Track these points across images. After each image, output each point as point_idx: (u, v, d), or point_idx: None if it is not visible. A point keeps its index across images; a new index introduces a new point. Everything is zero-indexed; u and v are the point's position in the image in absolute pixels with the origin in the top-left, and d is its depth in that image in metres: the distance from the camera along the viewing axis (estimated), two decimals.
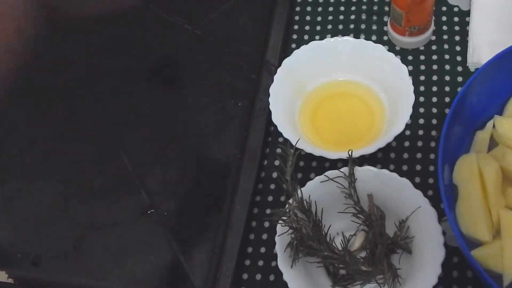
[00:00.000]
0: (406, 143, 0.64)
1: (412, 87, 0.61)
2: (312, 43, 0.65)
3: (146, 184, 0.65)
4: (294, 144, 0.58)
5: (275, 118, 0.61)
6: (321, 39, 0.71)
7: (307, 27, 0.73)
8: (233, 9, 0.76)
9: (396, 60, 0.63)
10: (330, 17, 0.73)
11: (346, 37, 0.65)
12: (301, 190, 0.56)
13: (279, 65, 0.67)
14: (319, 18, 0.73)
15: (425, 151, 0.63)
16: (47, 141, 0.70)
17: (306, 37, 0.72)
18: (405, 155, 0.63)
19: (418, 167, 0.63)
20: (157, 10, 0.76)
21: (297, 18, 0.74)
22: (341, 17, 0.73)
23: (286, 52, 0.71)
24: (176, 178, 0.66)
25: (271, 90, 0.63)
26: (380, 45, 0.64)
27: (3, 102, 0.73)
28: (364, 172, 0.57)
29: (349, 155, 0.57)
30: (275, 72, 0.66)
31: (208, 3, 0.76)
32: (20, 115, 0.72)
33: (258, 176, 0.64)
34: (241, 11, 0.76)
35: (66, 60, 0.74)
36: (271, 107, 0.62)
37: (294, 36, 0.73)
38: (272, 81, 0.66)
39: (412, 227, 0.55)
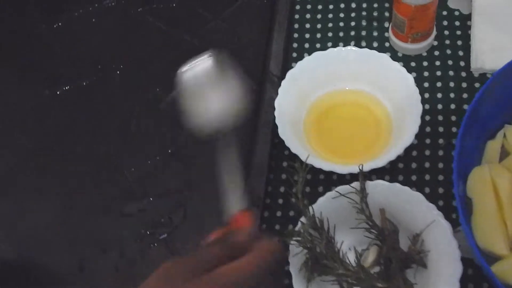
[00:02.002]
0: (414, 153, 0.63)
1: (419, 97, 0.60)
2: (316, 53, 0.64)
3: (149, 197, 0.65)
4: (304, 160, 0.57)
5: (282, 133, 0.60)
6: (322, 46, 0.71)
7: (307, 35, 0.72)
8: (230, 18, 0.75)
9: (402, 69, 0.62)
10: (330, 24, 0.72)
11: (349, 47, 0.64)
12: (312, 207, 0.56)
13: (282, 75, 0.66)
14: (318, 26, 0.72)
15: (433, 160, 0.63)
16: (45, 156, 0.68)
17: (306, 45, 0.71)
18: (413, 165, 0.63)
19: (427, 177, 0.62)
20: (154, 21, 0.75)
21: (296, 26, 0.72)
22: (341, 24, 0.72)
23: (288, 61, 0.70)
24: (179, 194, 0.65)
25: (276, 103, 0.62)
26: (384, 54, 0.63)
27: (4, 119, 0.72)
28: (376, 186, 0.56)
29: (359, 169, 0.56)
30: (278, 83, 0.65)
31: (206, 13, 0.75)
32: (18, 130, 0.70)
33: (265, 191, 0.63)
34: (239, 20, 0.74)
35: (64, 76, 0.73)
36: (277, 121, 0.61)
37: (295, 45, 0.71)
38: (275, 91, 0.65)
39: (427, 241, 0.55)
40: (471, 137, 0.54)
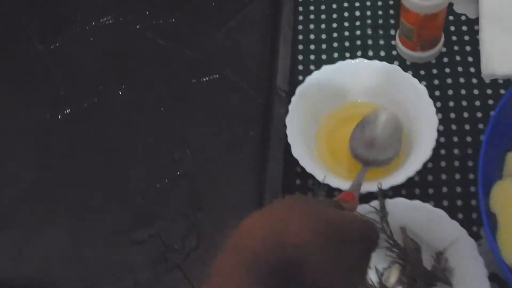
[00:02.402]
0: (429, 164, 0.62)
1: (434, 109, 0.59)
2: (325, 67, 0.62)
3: (160, 222, 0.63)
4: (319, 179, 0.56)
5: (295, 152, 0.58)
6: (328, 57, 0.69)
7: (312, 46, 0.70)
8: (232, 31, 0.73)
9: (414, 80, 0.60)
10: (335, 34, 0.70)
11: (359, 59, 0.63)
12: None
13: (290, 90, 0.64)
14: (323, 36, 0.71)
15: (449, 172, 0.61)
16: (50, 184, 0.66)
17: (312, 56, 0.70)
18: (430, 177, 0.61)
19: (445, 189, 0.61)
20: (153, 37, 0.73)
21: (300, 37, 0.71)
22: (346, 33, 0.70)
23: (294, 75, 0.68)
24: (191, 217, 0.63)
25: (287, 121, 0.60)
26: (396, 66, 0.62)
27: (6, 146, 0.69)
28: (396, 204, 0.55)
29: (378, 188, 0.55)
30: (286, 98, 0.64)
31: (206, 27, 0.73)
32: (21, 158, 0.68)
33: None
34: (241, 33, 0.72)
35: (64, 98, 0.71)
36: (289, 140, 0.59)
37: (300, 57, 0.70)
38: (283, 107, 0.63)
39: (451, 259, 0.53)
40: (491, 150, 0.53)
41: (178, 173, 0.65)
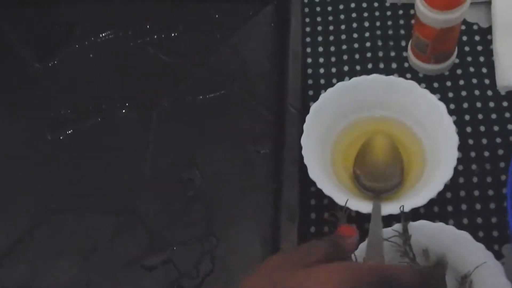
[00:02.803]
0: (447, 181, 0.60)
1: (454, 127, 0.57)
2: (339, 84, 0.60)
3: (172, 247, 0.61)
4: (339, 202, 0.54)
5: (312, 174, 0.56)
6: (338, 71, 0.67)
7: (321, 59, 0.68)
8: (237, 45, 0.70)
9: (432, 97, 0.59)
10: (344, 46, 0.68)
11: (374, 75, 0.61)
12: (354, 254, 0.53)
13: (303, 108, 0.62)
14: (332, 48, 0.69)
15: (468, 188, 0.60)
16: (56, 213, 0.63)
17: (321, 70, 0.68)
18: (448, 195, 0.60)
19: (464, 207, 0.59)
20: (156, 52, 0.70)
21: (309, 50, 0.69)
22: (356, 45, 0.68)
23: (305, 90, 0.66)
24: (204, 241, 0.61)
25: (302, 142, 0.58)
26: (413, 82, 0.59)
27: (7, 171, 0.66)
28: (419, 227, 0.53)
29: (401, 211, 0.53)
30: (298, 115, 0.62)
31: (210, 40, 0.71)
32: (24, 186, 0.65)
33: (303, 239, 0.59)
34: (246, 46, 0.70)
35: (65, 119, 0.68)
36: (306, 161, 0.57)
37: (309, 71, 0.68)
38: (295, 125, 0.61)
39: (476, 282, 0.52)
40: None
41: (188, 194, 0.63)
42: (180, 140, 0.66)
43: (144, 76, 0.70)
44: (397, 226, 0.54)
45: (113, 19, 0.72)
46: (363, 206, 0.55)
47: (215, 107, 0.68)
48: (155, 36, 0.71)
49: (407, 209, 0.54)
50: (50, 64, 0.71)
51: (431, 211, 0.59)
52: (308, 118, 0.59)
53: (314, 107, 0.60)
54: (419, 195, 0.55)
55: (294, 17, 0.68)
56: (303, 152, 0.58)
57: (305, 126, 0.59)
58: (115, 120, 0.67)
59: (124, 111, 0.68)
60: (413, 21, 0.69)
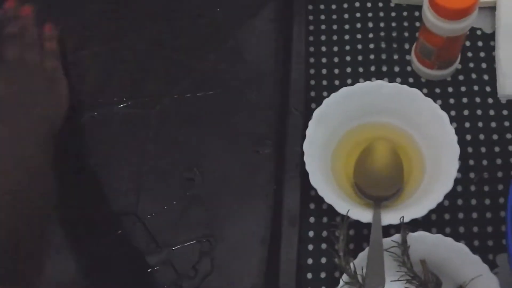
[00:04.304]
0: None
1: (456, 137, 0.57)
2: (343, 89, 0.60)
3: (171, 247, 0.61)
4: (340, 211, 0.55)
5: (314, 181, 0.57)
6: (340, 72, 0.67)
7: (324, 60, 0.68)
8: (238, 44, 0.69)
9: (435, 106, 0.59)
10: (347, 47, 0.68)
11: (378, 81, 0.61)
12: (353, 263, 0.53)
13: (306, 110, 0.62)
14: (335, 49, 0.68)
15: (466, 197, 0.61)
16: (57, 211, 0.62)
17: (324, 71, 0.67)
18: (446, 203, 0.61)
19: (461, 215, 0.60)
20: (161, 51, 0.69)
21: (312, 49, 0.68)
22: (359, 46, 0.68)
23: (307, 91, 0.66)
24: (203, 241, 0.61)
25: (305, 148, 0.58)
26: (416, 90, 0.59)
27: None
28: (418, 238, 0.54)
29: (400, 221, 0.54)
30: (300, 117, 0.62)
31: (211, 37, 0.70)
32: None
33: (304, 248, 0.60)
34: (249, 45, 0.69)
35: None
36: (307, 168, 0.57)
37: (312, 71, 0.67)
38: (297, 127, 0.61)
39: None
40: None
41: (187, 194, 0.63)
42: (180, 140, 0.66)
43: (144, 74, 0.68)
44: (396, 237, 0.54)
45: (113, 16, 0.71)
46: (363, 215, 0.55)
47: (215, 107, 0.67)
48: (156, 33, 0.70)
49: (407, 219, 0.54)
50: None
51: (428, 219, 0.60)
52: (310, 123, 0.59)
53: (317, 112, 0.60)
54: (418, 206, 0.56)
55: (298, 16, 0.67)
56: (305, 159, 0.58)
57: (307, 132, 0.59)
58: (114, 118, 0.67)
59: (123, 108, 0.67)
60: (417, 24, 0.69)
